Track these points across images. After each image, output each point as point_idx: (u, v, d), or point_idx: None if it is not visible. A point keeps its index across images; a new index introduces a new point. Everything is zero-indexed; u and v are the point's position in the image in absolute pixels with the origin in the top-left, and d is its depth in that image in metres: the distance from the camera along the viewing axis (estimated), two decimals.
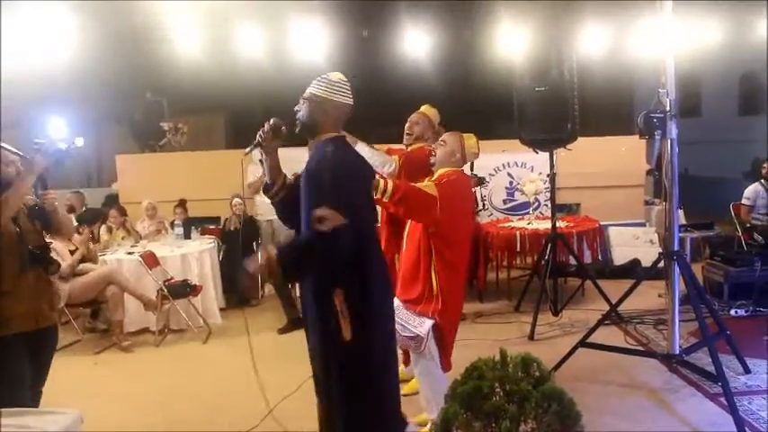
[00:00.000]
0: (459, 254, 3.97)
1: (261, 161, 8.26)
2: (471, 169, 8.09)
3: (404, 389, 4.74)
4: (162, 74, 10.52)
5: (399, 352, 4.50)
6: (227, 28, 8.66)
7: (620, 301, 5.07)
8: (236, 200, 7.76)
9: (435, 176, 3.99)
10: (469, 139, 4.09)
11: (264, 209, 8.01)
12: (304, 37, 8.62)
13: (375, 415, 2.95)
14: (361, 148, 4.57)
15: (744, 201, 7.99)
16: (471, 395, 2.39)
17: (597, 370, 4.93)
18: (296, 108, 3.04)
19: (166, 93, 12.04)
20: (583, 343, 4.87)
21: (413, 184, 3.90)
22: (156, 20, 8.35)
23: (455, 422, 2.41)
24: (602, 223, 7.78)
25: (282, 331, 6.49)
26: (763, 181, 7.97)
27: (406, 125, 4.91)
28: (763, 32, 9.26)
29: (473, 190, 4.84)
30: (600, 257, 7.78)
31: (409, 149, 4.83)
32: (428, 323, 3.83)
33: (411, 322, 3.89)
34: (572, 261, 6.95)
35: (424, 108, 5.02)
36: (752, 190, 7.98)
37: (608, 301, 6.02)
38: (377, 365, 2.94)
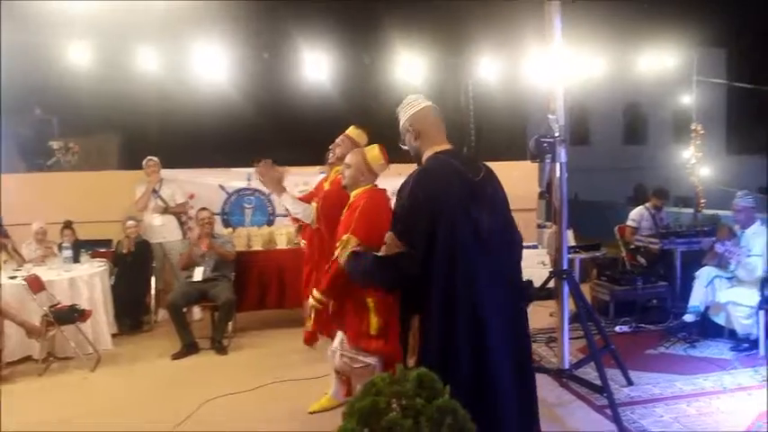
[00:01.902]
0: None
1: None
2: None
3: (314, 406, 4.79)
4: (53, 92, 10.13)
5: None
6: (124, 48, 8.44)
7: None
8: (130, 222, 7.50)
9: (351, 199, 3.97)
10: (371, 151, 4.05)
11: (155, 231, 7.77)
12: (204, 58, 8.49)
13: None
14: (285, 200, 4.61)
15: (629, 222, 8.43)
16: (368, 411, 2.41)
17: None
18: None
19: (57, 111, 11.58)
20: None
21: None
22: (50, 36, 8.03)
23: None
24: None
25: (177, 356, 6.30)
26: (648, 205, 8.44)
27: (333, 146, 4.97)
28: (642, 67, 9.89)
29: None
30: None
31: (324, 190, 4.83)
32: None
33: (358, 355, 3.90)
34: None
35: (349, 130, 5.05)
36: (637, 212, 8.44)
37: None
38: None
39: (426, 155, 2.98)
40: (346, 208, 3.95)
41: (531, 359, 3.16)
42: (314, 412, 4.76)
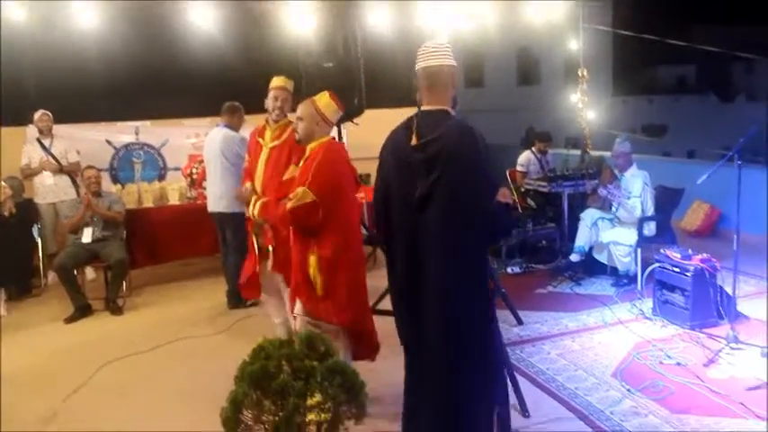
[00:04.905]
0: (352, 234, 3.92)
1: (38, 140, 7.58)
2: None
3: None
4: None
5: None
6: None
7: None
8: (3, 183, 7.06)
9: (307, 153, 3.83)
10: (322, 99, 3.90)
11: (47, 191, 7.36)
12: (80, 7, 7.95)
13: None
14: None
15: (518, 167, 8.68)
16: (259, 375, 2.45)
17: (388, 335, 5.17)
18: None
19: None
20: (374, 310, 5.08)
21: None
22: None
23: (244, 402, 2.46)
24: None
25: (69, 320, 6.11)
26: (534, 149, 8.71)
27: (275, 103, 4.69)
28: (534, 11, 10.05)
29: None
30: None
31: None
32: None
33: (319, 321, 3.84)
34: (363, 231, 7.17)
35: (277, 81, 4.78)
36: (524, 157, 8.69)
37: None
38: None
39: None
40: (303, 160, 3.84)
41: None
42: None
